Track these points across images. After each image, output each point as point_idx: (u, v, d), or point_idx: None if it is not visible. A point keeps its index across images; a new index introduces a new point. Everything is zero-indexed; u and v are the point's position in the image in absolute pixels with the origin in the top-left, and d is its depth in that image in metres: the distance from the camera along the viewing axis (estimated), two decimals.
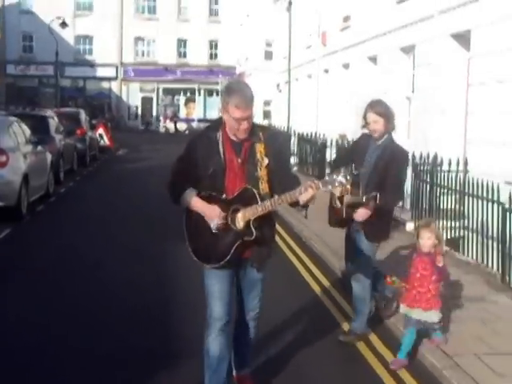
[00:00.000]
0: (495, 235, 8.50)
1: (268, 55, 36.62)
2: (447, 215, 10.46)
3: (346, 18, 20.37)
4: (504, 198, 8.24)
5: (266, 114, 37.01)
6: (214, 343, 4.44)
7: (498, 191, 8.52)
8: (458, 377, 5.22)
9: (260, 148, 4.34)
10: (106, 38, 50.92)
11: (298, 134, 23.33)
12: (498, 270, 8.36)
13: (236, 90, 4.28)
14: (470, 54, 12.22)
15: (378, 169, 5.85)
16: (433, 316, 5.61)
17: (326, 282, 8.33)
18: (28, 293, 7.46)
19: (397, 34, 15.51)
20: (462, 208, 10.11)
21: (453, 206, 10.34)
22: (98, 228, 11.60)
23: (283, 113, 31.13)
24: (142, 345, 5.88)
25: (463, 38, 12.41)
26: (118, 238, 10.69)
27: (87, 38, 51.95)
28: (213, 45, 53.71)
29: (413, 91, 15.10)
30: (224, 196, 4.30)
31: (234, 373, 4.84)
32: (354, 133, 17.32)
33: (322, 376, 5.50)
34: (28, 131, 13.69)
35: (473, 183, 9.27)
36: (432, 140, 13.06)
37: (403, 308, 5.76)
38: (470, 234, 9.55)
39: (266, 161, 4.30)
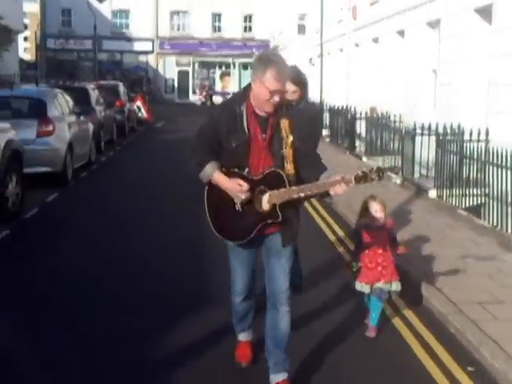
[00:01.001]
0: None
1: (301, 29, 36.99)
2: (469, 183, 10.97)
3: None
4: None
5: None
6: (239, 306, 4.61)
7: None
8: (461, 321, 5.86)
9: (285, 124, 4.07)
10: (142, 12, 51.64)
11: (330, 107, 23.83)
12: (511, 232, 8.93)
13: (274, 60, 4.00)
14: (491, 27, 12.65)
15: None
16: (398, 285, 5.60)
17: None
18: (79, 246, 8.31)
19: (423, 9, 15.93)
20: (483, 176, 10.60)
21: (475, 175, 10.84)
22: (136, 192, 12.41)
23: (316, 86, 31.56)
24: (186, 288, 6.63)
25: (485, 12, 12.83)
26: (154, 200, 11.53)
27: (124, 12, 52.74)
28: (247, 18, 54.04)
29: (438, 64, 15.55)
30: (246, 173, 4.11)
31: (271, 379, 4.42)
32: (383, 105, 17.88)
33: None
34: (71, 102, 14.52)
35: (493, 152, 9.75)
36: (456, 111, 13.55)
37: (366, 286, 5.54)
38: (490, 201, 10.06)
39: (291, 138, 4.05)
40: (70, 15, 51.78)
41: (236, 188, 4.05)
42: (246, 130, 4.08)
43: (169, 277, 7.04)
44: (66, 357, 4.95)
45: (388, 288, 5.53)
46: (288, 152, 4.05)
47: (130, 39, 52.39)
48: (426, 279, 6.78)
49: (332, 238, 9.23)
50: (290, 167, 4.05)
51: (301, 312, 5.61)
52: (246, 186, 4.04)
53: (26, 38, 75.62)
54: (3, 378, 4.56)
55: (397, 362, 5.15)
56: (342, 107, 21.58)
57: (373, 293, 5.52)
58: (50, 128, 11.99)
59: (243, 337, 4.87)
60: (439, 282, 6.73)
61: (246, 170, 4.11)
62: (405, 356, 5.24)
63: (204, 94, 51.77)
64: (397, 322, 5.94)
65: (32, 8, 60.82)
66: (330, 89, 28.34)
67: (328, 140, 22.58)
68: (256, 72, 4.01)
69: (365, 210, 5.54)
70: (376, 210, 5.46)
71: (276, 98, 3.99)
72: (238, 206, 4.12)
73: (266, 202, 4.06)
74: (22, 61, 49.21)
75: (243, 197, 4.07)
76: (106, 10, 48.52)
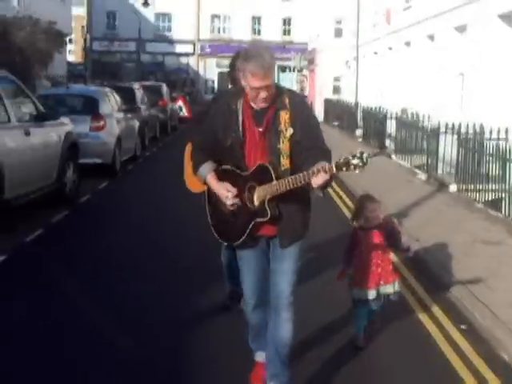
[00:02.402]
0: None
1: (338, 32, 37.79)
2: (488, 179, 11.71)
3: None
4: None
5: (336, 89, 38.26)
6: (251, 317, 4.27)
7: None
8: (461, 291, 6.75)
9: (285, 116, 3.82)
10: (184, 16, 52.94)
11: (363, 108, 24.68)
12: None
13: (253, 55, 3.73)
14: None
15: None
16: (398, 286, 5.36)
17: None
18: (124, 228, 9.40)
19: (452, 14, 16.74)
20: (501, 173, 11.31)
21: (494, 172, 11.56)
22: (178, 185, 13.45)
23: (352, 88, 32.44)
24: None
25: (509, 18, 13.62)
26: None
27: (166, 16, 54.16)
28: (286, 22, 54.98)
29: (465, 67, 16.33)
30: (244, 170, 3.92)
31: None
32: (415, 106, 18.69)
33: None
34: (119, 101, 15.70)
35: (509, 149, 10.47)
36: (481, 112, 14.33)
37: (366, 291, 5.18)
38: (507, 196, 10.79)
39: (291, 131, 3.80)
40: (115, 18, 53.33)
41: (223, 194, 3.92)
42: (241, 126, 3.90)
43: (200, 255, 7.64)
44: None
45: (391, 289, 5.24)
46: (285, 146, 3.81)
47: (172, 42, 53.76)
48: (438, 261, 7.68)
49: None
50: (285, 162, 3.81)
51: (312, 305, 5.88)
52: (233, 191, 3.90)
53: (70, 40, 77.59)
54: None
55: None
56: (375, 108, 22.41)
57: (376, 298, 5.20)
58: (102, 123, 13.17)
59: (260, 357, 4.43)
60: (449, 263, 7.63)
61: (245, 169, 3.92)
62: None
63: None
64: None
65: (76, 11, 62.59)
66: (365, 90, 29.16)
67: (360, 140, 23.46)
68: (240, 69, 3.82)
69: (359, 210, 5.30)
70: (371, 209, 5.19)
71: (262, 95, 3.77)
72: (230, 208, 3.96)
73: (255, 198, 3.85)
74: (68, 62, 50.83)
75: (229, 202, 3.91)
76: (149, 13, 49.97)
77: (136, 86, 21.05)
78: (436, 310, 6.26)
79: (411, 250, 5.81)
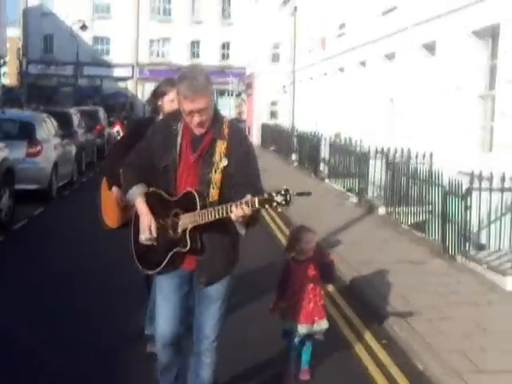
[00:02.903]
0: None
1: (275, 57, 38.49)
2: (414, 202, 12.21)
3: (342, 26, 22.31)
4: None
5: (273, 114, 38.89)
6: (163, 353, 3.97)
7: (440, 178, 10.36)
8: (385, 306, 7.17)
9: (221, 146, 3.68)
10: (123, 39, 53.04)
11: (298, 133, 25.26)
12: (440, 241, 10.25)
13: (187, 77, 3.62)
14: (435, 60, 14.10)
15: None
16: (325, 323, 5.16)
17: None
18: (62, 251, 9.51)
19: (381, 43, 17.44)
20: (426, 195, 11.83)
21: (418, 194, 12.01)
22: None
23: (288, 113, 33.08)
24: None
25: (432, 48, 14.31)
26: None
27: (104, 39, 54.13)
28: (225, 46, 55.66)
29: (394, 94, 17.02)
30: (174, 196, 3.75)
31: None
32: (348, 130, 19.31)
33: None
34: (56, 125, 15.77)
35: (435, 174, 10.84)
36: (407, 137, 14.95)
37: (298, 325, 5.03)
38: (431, 217, 11.27)
39: (225, 162, 3.65)
40: (52, 41, 53.00)
41: (144, 225, 3.76)
42: (178, 149, 3.75)
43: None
44: None
45: (323, 326, 5.13)
46: (217, 176, 3.66)
47: (110, 65, 53.69)
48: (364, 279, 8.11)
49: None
50: (214, 193, 3.66)
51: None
52: (153, 232, 3.74)
53: (4, 63, 76.56)
54: None
55: None
56: (309, 132, 22.98)
57: (310, 333, 5.09)
58: (38, 149, 13.24)
59: None
60: (373, 281, 8.07)
61: (172, 193, 3.77)
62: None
63: None
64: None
65: (10, 32, 61.99)
66: (302, 115, 29.81)
67: (296, 164, 23.99)
68: (177, 92, 3.68)
69: (294, 241, 5.11)
70: (307, 241, 5.04)
71: (196, 119, 3.63)
72: (142, 241, 3.80)
73: (179, 226, 3.67)
74: (2, 85, 50.20)
75: (143, 237, 3.77)
76: (87, 36, 49.90)
77: (73, 110, 21.12)
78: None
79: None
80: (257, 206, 3.35)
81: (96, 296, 7.31)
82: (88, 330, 6.16)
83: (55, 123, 15.78)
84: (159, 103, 5.22)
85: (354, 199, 14.98)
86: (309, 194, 3.52)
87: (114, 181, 5.10)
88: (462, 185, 9.42)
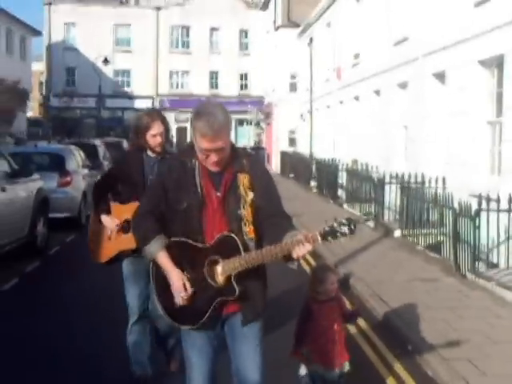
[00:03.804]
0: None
1: (292, 87, 39.22)
2: (429, 224, 12.72)
3: (356, 56, 23.00)
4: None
5: (292, 142, 39.55)
6: None
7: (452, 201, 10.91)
8: (396, 318, 7.69)
9: (244, 180, 3.48)
10: (143, 71, 54.20)
11: (316, 160, 25.87)
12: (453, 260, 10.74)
13: (204, 113, 3.37)
14: (446, 88, 14.69)
15: None
16: (348, 365, 4.87)
17: None
18: (93, 274, 10.13)
19: (394, 72, 18.08)
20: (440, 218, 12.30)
21: (435, 217, 12.49)
22: None
23: (307, 140, 33.75)
24: None
25: (442, 77, 14.92)
26: None
27: (125, 72, 55.34)
28: (243, 76, 56.59)
29: (408, 121, 17.60)
30: (200, 241, 3.46)
31: None
32: (365, 157, 19.89)
33: None
34: (83, 157, 16.53)
35: (448, 197, 11.32)
36: (422, 162, 15.51)
37: (331, 372, 4.75)
38: (445, 238, 11.78)
39: (251, 195, 3.47)
40: (74, 74, 54.25)
41: (177, 287, 3.44)
42: (199, 186, 3.49)
43: None
44: None
45: (347, 368, 4.84)
46: (247, 212, 3.45)
47: (131, 97, 54.81)
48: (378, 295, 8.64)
49: None
50: (249, 230, 3.43)
51: None
52: (189, 291, 3.44)
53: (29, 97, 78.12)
54: None
55: None
56: (327, 159, 23.58)
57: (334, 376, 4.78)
58: (69, 179, 14.00)
59: None
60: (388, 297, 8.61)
61: (200, 239, 3.48)
62: None
63: None
64: None
65: (34, 67, 63.48)
66: (319, 142, 30.43)
67: (315, 190, 24.57)
68: (192, 128, 3.44)
69: (318, 281, 4.76)
70: (333, 281, 4.75)
71: (213, 158, 3.41)
72: (178, 303, 3.48)
73: (219, 274, 3.41)
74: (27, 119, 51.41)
75: (179, 301, 3.47)
76: (108, 69, 51.08)
77: (98, 142, 21.92)
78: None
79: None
80: (319, 240, 3.22)
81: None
82: None
83: (83, 155, 16.53)
84: (142, 138, 5.17)
85: (371, 224, 15.50)
86: (370, 216, 3.31)
87: (101, 211, 5.27)
88: (471, 207, 9.96)
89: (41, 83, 60.07)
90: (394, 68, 18.06)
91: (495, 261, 10.26)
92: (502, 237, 9.90)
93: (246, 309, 3.56)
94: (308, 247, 3.21)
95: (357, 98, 23.32)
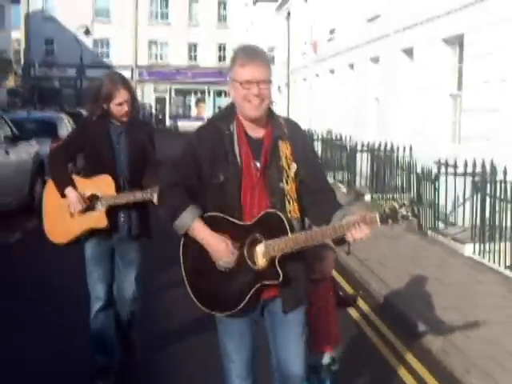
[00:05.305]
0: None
1: (271, 60, 39.79)
2: (396, 189, 13.73)
3: (332, 31, 23.91)
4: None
5: None
6: None
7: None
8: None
9: (285, 149, 3.10)
10: (122, 42, 54.61)
11: None
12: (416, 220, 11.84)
13: (243, 47, 3.16)
14: (414, 64, 15.74)
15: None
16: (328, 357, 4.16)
17: None
18: None
19: (367, 47, 19.08)
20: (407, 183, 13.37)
21: (401, 182, 13.51)
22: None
23: (284, 112, 34.62)
24: None
25: (410, 53, 15.95)
26: None
27: (105, 42, 55.67)
28: (221, 47, 57.24)
29: (379, 93, 18.67)
30: (237, 218, 3.06)
31: None
32: (339, 127, 20.96)
33: None
34: (73, 125, 17.32)
35: (415, 163, 12.40)
36: (391, 132, 16.57)
37: (326, 355, 4.10)
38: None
39: (294, 168, 3.08)
40: (53, 44, 54.40)
41: (220, 249, 3.03)
42: (238, 156, 3.08)
43: None
44: None
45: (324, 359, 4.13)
46: (290, 188, 3.08)
47: (110, 67, 55.08)
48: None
49: None
50: (293, 207, 3.09)
51: None
52: (235, 252, 3.05)
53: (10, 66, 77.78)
54: None
55: None
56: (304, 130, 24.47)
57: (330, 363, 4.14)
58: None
59: None
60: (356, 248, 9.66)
61: (238, 216, 3.07)
62: None
63: None
64: None
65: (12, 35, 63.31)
66: (296, 114, 31.35)
67: None
68: (228, 77, 3.14)
69: (319, 259, 4.13)
70: (334, 259, 4.26)
71: (254, 90, 2.99)
72: (223, 269, 3.08)
73: (261, 255, 3.04)
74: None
75: (225, 263, 3.05)
76: (87, 39, 51.38)
77: (84, 112, 22.67)
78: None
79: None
80: (378, 223, 2.95)
81: None
82: None
83: (72, 122, 17.37)
84: (105, 107, 4.62)
85: (344, 189, 16.62)
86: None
87: (64, 183, 4.61)
88: (432, 172, 11.06)
89: (16, 51, 59.98)
90: (366, 43, 19.04)
91: (453, 220, 11.37)
92: (460, 199, 10.98)
93: (287, 294, 3.17)
94: (365, 230, 2.93)
95: (332, 72, 24.25)
